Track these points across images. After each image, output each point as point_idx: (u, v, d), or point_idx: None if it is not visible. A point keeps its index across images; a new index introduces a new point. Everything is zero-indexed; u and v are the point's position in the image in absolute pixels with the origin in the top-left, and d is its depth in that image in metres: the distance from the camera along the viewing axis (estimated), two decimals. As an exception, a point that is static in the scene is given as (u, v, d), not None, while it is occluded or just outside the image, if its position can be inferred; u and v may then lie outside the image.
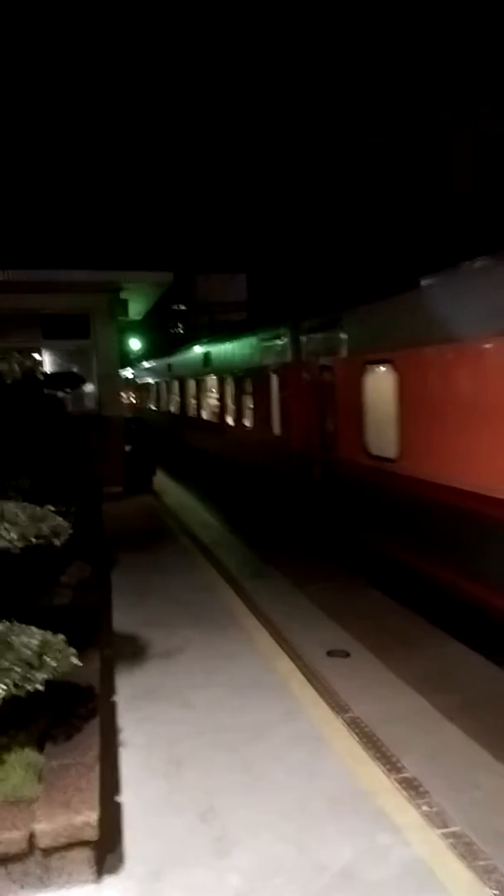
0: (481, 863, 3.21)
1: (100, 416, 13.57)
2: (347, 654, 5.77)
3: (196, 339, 17.40)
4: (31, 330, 13.65)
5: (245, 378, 12.19)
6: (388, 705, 4.84)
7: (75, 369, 13.74)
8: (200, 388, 15.84)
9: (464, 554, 5.78)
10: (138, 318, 19.29)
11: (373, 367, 7.41)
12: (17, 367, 4.39)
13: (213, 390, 14.92)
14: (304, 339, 9.45)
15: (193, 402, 16.68)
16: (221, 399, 14.10)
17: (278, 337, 10.30)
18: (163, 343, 34.44)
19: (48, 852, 3.08)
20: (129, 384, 29.99)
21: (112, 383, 14.33)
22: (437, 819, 3.55)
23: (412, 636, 6.17)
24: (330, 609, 6.83)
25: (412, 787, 3.83)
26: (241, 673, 5.36)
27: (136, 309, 16.75)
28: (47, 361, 14.04)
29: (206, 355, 15.13)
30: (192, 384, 16.70)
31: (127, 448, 14.04)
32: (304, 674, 5.30)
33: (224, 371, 13.76)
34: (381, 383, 7.14)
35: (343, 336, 8.18)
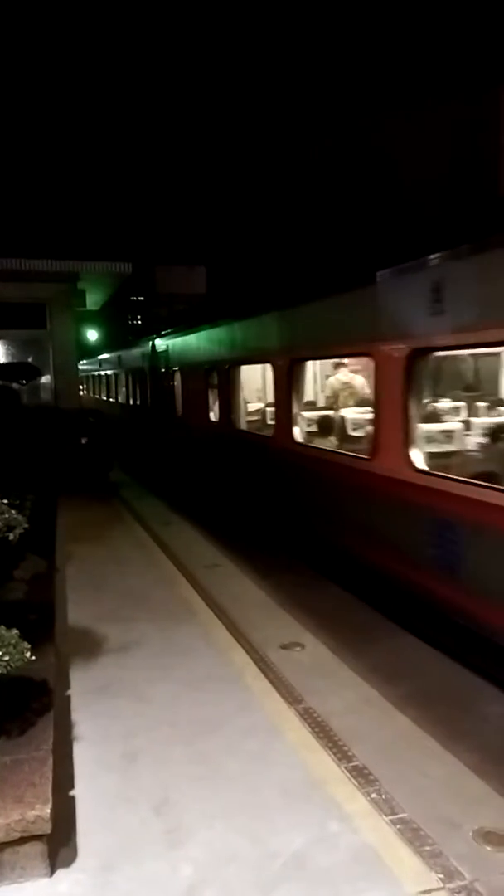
0: (427, 848, 3.32)
1: (56, 408, 13.41)
2: (302, 647, 5.85)
3: (131, 340, 22.82)
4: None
5: (134, 373, 18.10)
6: (340, 696, 4.93)
7: (30, 360, 13.58)
8: (114, 380, 22.09)
9: (209, 455, 11.49)
10: (96, 308, 19.11)
11: (177, 373, 13.18)
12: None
13: (119, 381, 21.01)
14: (157, 352, 14.73)
15: (112, 388, 22.95)
16: (127, 388, 19.65)
17: (148, 348, 15.63)
18: (120, 335, 34.24)
19: (0, 847, 3.08)
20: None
21: (69, 374, 14.16)
22: (386, 806, 3.64)
23: (366, 629, 6.28)
24: (286, 603, 6.91)
25: (362, 776, 3.93)
26: (196, 666, 5.41)
27: (93, 299, 16.60)
28: (2, 352, 13.83)
29: (119, 357, 20.71)
30: (112, 377, 22.80)
31: (83, 440, 13.91)
32: (258, 666, 5.36)
33: (128, 369, 19.22)
34: (177, 381, 13.21)
35: (170, 351, 13.67)
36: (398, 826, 3.48)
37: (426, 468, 5.64)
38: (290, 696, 4.90)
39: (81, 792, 3.83)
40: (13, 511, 4.39)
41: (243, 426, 10.20)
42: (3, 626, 3.77)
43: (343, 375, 9.35)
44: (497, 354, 7.86)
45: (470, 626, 5.21)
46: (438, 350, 5.83)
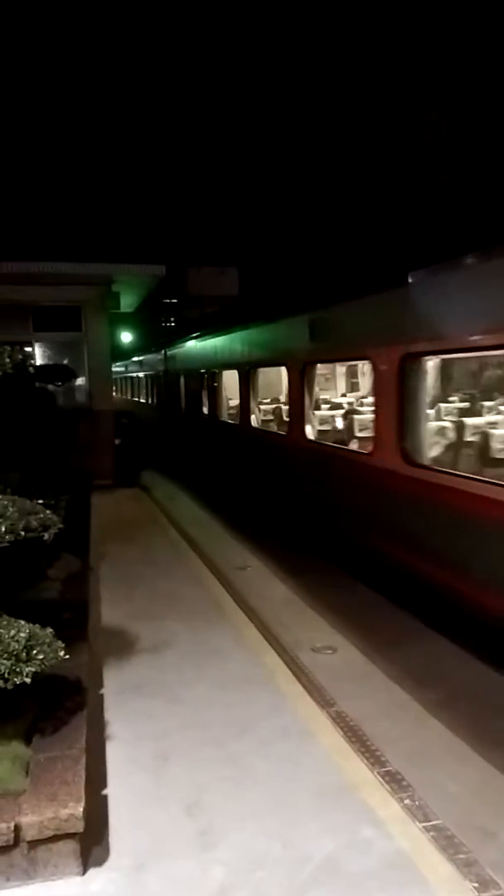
0: (462, 856, 3.26)
1: (90, 409, 13.54)
2: (333, 650, 5.81)
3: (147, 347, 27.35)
4: (23, 322, 13.59)
5: (151, 377, 22.01)
6: (372, 700, 4.89)
7: (66, 362, 13.74)
8: (136, 382, 26.12)
9: (204, 439, 14.46)
10: (130, 310, 19.23)
11: (181, 376, 16.35)
12: (7, 361, 4.38)
13: (140, 382, 24.92)
14: (168, 358, 18.25)
15: (134, 389, 26.91)
16: (147, 388, 23.38)
17: (161, 355, 19.21)
18: (154, 336, 34.66)
19: (34, 844, 3.12)
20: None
21: (103, 376, 14.27)
22: (419, 812, 3.60)
23: (399, 632, 6.22)
24: (317, 605, 6.88)
25: (395, 781, 3.89)
26: (228, 667, 5.41)
27: (127, 301, 16.71)
28: (38, 354, 14.00)
29: (140, 361, 24.78)
30: (137, 380, 26.31)
31: (117, 441, 14.03)
32: (290, 668, 5.34)
33: (147, 371, 23.01)
34: (186, 383, 15.89)
35: (176, 358, 17.11)
36: (432, 833, 3.43)
37: (312, 438, 8.67)
38: (322, 699, 4.87)
39: (114, 791, 3.85)
40: (48, 511, 4.42)
41: (225, 417, 13.02)
42: (37, 625, 3.81)
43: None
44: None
45: (328, 532, 8.42)
46: (315, 363, 8.85)
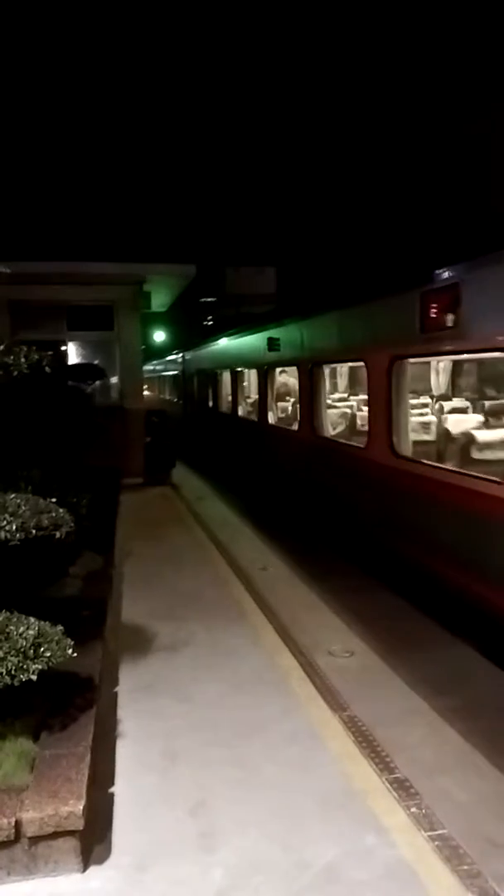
0: (465, 867, 3.20)
1: (121, 407, 13.66)
2: (350, 653, 5.76)
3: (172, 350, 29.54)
4: (57, 322, 13.79)
5: (174, 376, 24.99)
6: (386, 705, 4.83)
7: (97, 361, 13.88)
8: (164, 381, 28.90)
9: (210, 427, 17.51)
10: (163, 309, 19.34)
11: (196, 376, 19.23)
12: (22, 361, 4.43)
13: (167, 381, 27.72)
14: (187, 361, 21.22)
15: (161, 386, 30.08)
16: (170, 385, 26.60)
17: (181, 358, 22.45)
18: (188, 336, 34.95)
19: (35, 840, 3.15)
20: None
21: (134, 375, 14.38)
22: (425, 821, 3.54)
23: (418, 638, 6.13)
24: (338, 608, 6.83)
25: (403, 789, 3.83)
26: (242, 668, 5.40)
27: (160, 301, 16.82)
28: (73, 353, 14.18)
29: (165, 363, 27.91)
30: (162, 378, 29.65)
31: (147, 439, 14.13)
32: (305, 671, 5.31)
33: (169, 371, 26.57)
34: (198, 381, 18.93)
35: (191, 360, 20.26)
36: (436, 842, 3.37)
37: (273, 423, 11.70)
38: (335, 702, 4.83)
39: (120, 789, 3.87)
40: (61, 510, 4.45)
41: (224, 409, 15.75)
42: (47, 623, 3.85)
43: (283, 378, 14.18)
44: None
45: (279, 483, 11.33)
46: (275, 367, 11.65)
